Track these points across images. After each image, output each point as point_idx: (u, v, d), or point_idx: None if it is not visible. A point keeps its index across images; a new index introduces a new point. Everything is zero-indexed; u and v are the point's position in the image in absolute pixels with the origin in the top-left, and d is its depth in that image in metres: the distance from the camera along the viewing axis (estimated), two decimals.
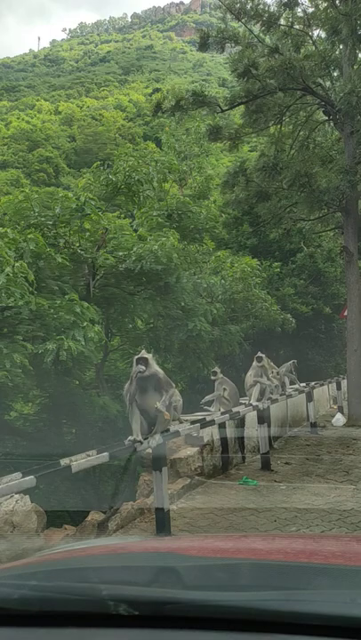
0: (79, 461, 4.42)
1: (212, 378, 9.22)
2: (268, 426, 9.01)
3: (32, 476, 3.90)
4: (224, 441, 8.31)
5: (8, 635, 0.96)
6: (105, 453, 4.82)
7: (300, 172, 12.67)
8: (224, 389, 9.06)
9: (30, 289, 7.81)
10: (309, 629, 0.88)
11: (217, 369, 9.52)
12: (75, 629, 0.95)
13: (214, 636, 0.91)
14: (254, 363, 9.47)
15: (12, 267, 7.25)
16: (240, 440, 8.93)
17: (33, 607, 0.98)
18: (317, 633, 0.87)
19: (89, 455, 4.69)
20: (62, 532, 5.06)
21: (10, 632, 0.96)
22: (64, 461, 4.36)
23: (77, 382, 11.51)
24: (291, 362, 12.60)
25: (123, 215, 15.35)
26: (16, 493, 4.38)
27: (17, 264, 7.41)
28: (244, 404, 9.14)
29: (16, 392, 8.80)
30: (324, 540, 2.30)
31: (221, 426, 8.07)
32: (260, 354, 9.65)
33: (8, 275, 7.13)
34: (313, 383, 13.31)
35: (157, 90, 67.19)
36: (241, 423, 8.92)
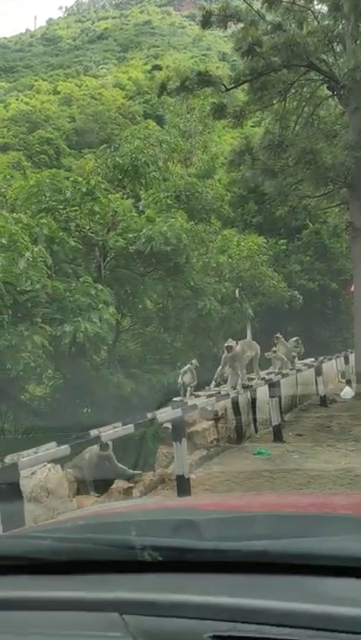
0: (108, 432, 4.75)
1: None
2: (280, 399, 9.31)
3: (66, 446, 4.23)
4: (238, 414, 8.64)
5: (41, 582, 1.05)
6: (130, 425, 5.17)
7: (306, 149, 12.74)
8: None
9: (49, 273, 8.07)
10: (323, 571, 0.93)
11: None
12: (101, 575, 1.03)
13: (232, 578, 0.97)
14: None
15: (31, 252, 7.50)
16: (253, 413, 9.25)
17: (63, 556, 1.07)
18: (330, 574, 0.93)
19: (115, 427, 5.03)
20: (91, 498, 5.42)
21: (42, 579, 1.06)
22: (93, 432, 4.69)
23: (89, 363, 11.84)
24: (295, 339, 12.80)
25: (126, 196, 15.50)
26: (49, 462, 4.72)
27: (36, 249, 7.66)
28: (255, 378, 9.43)
29: (37, 373, 9.13)
30: (333, 496, 2.52)
31: (235, 400, 8.40)
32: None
33: (28, 259, 7.39)
34: (321, 358, 13.57)
35: (157, 67, 66.12)
36: (253, 397, 9.23)
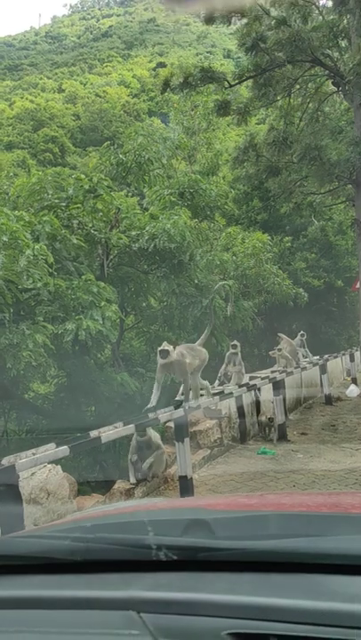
0: (108, 432, 4.67)
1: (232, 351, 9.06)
2: (284, 398, 9.23)
3: (66, 446, 4.16)
4: (241, 413, 8.56)
5: (58, 581, 1.07)
6: (131, 425, 5.09)
7: (310, 146, 12.63)
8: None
9: (50, 270, 8.01)
10: (335, 569, 0.95)
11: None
12: (117, 574, 1.05)
13: (246, 576, 0.98)
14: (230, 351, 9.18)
15: (32, 249, 7.44)
16: (257, 412, 9.17)
17: (79, 556, 1.09)
18: (343, 572, 0.95)
19: (116, 427, 4.95)
20: (92, 499, 5.36)
21: (59, 579, 1.08)
22: (93, 433, 4.61)
23: (93, 361, 11.77)
24: (300, 333, 12.64)
25: (130, 193, 15.40)
26: (49, 463, 4.65)
27: (37, 246, 7.60)
28: (259, 377, 9.36)
29: (40, 371, 9.08)
30: (343, 495, 2.49)
31: (238, 398, 8.31)
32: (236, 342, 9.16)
33: (29, 257, 7.33)
34: (327, 356, 13.48)
35: (161, 64, 66.03)
36: (257, 396, 9.15)
